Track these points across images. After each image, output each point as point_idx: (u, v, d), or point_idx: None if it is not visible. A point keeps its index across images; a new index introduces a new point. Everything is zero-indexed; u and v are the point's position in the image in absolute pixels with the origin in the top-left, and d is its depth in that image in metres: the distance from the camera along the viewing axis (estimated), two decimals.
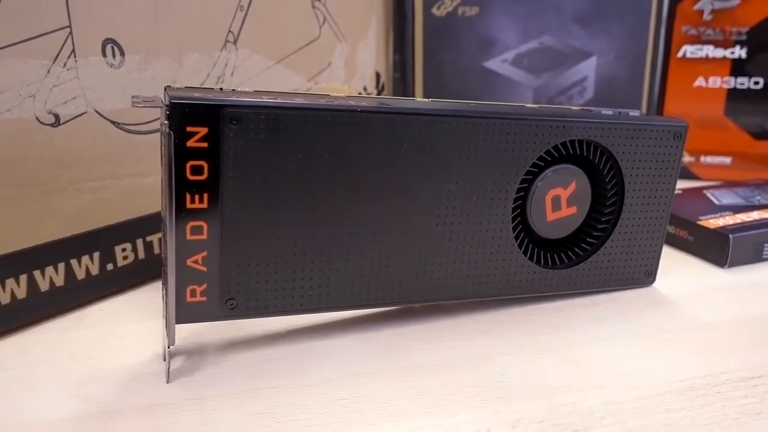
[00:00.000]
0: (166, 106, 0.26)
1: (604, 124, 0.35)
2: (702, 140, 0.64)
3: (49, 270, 0.35)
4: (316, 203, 0.30)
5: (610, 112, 0.37)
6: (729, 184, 0.55)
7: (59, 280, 0.36)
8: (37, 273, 0.34)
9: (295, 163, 0.29)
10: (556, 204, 0.36)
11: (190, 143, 0.27)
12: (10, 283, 0.33)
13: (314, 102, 0.29)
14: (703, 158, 0.65)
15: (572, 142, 0.35)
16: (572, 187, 0.36)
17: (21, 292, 0.34)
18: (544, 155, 0.34)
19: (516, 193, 0.34)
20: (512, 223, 0.35)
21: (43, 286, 0.35)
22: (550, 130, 0.34)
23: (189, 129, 0.27)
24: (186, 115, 0.26)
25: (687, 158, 0.65)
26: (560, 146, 0.34)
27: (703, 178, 0.65)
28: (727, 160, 0.64)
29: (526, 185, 0.35)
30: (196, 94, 0.27)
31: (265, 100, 0.28)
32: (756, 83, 0.61)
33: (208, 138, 0.27)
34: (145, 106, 0.27)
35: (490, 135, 0.32)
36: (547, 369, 0.31)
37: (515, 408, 0.28)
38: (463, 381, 0.30)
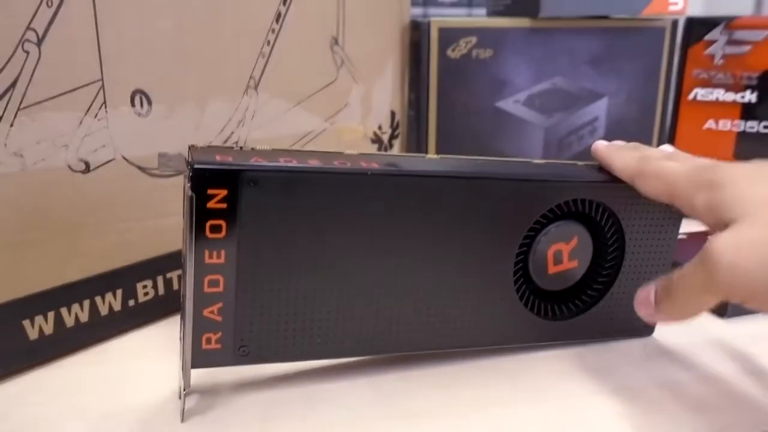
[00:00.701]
0: (190, 169, 0.28)
1: (606, 185, 0.36)
2: None
3: (75, 307, 0.37)
4: (326, 258, 0.32)
5: None
6: None
7: (84, 317, 0.38)
8: (63, 310, 0.37)
9: (307, 221, 0.31)
10: (558, 258, 0.37)
11: (211, 204, 0.29)
12: (38, 319, 0.36)
13: (327, 164, 0.31)
14: None
15: (575, 200, 0.36)
16: (574, 242, 0.37)
17: (48, 329, 0.36)
18: (547, 212, 0.36)
19: (518, 248, 0.36)
20: (514, 276, 0.36)
21: (69, 322, 0.37)
22: (553, 191, 0.35)
23: (210, 191, 0.29)
24: (208, 178, 0.28)
25: None
26: (563, 204, 0.36)
27: None
28: None
29: (528, 240, 0.36)
30: (218, 157, 0.29)
31: (282, 163, 0.30)
32: (766, 127, 0.62)
33: (227, 199, 0.29)
34: (170, 170, 0.29)
35: (494, 195, 0.34)
36: (547, 418, 0.32)
37: None
38: (462, 429, 0.31)
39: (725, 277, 0.27)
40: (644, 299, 0.32)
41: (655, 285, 0.32)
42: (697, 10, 0.64)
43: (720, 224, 0.29)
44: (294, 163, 0.30)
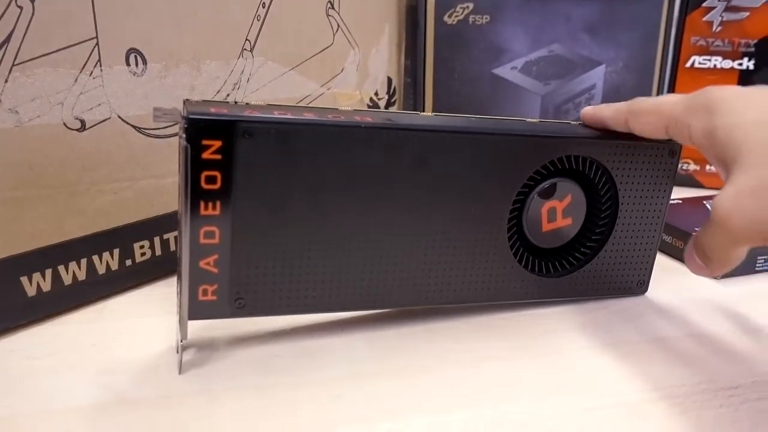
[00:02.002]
0: (184, 120, 0.28)
1: (599, 141, 0.36)
2: None
3: (72, 265, 0.37)
4: (321, 211, 0.32)
5: None
6: None
7: (81, 275, 0.38)
8: (61, 268, 0.37)
9: (302, 173, 0.31)
10: (552, 215, 0.37)
11: (205, 155, 0.29)
12: (36, 276, 0.36)
13: (321, 117, 0.31)
14: (708, 167, 0.66)
15: (568, 157, 0.36)
16: (568, 199, 0.38)
17: (46, 286, 0.36)
18: (540, 169, 0.36)
19: (512, 205, 0.36)
20: (508, 233, 0.36)
21: (67, 280, 0.37)
22: (546, 147, 0.35)
23: (204, 142, 0.29)
24: (202, 129, 0.29)
25: (692, 166, 0.66)
26: (556, 161, 0.36)
27: (707, 186, 0.66)
28: None
29: (522, 197, 0.36)
30: (212, 110, 0.29)
31: (276, 115, 0.30)
32: None
33: (222, 150, 0.29)
34: (165, 122, 0.29)
35: (488, 150, 0.34)
36: (536, 373, 0.33)
37: (502, 410, 0.30)
38: (455, 382, 0.32)
39: (740, 230, 0.28)
40: (697, 266, 0.33)
41: (693, 250, 0.32)
42: None
43: (720, 160, 0.29)
44: (288, 116, 0.30)
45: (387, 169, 0.32)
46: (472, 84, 0.60)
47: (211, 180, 0.29)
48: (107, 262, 0.39)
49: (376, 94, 0.57)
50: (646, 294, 0.42)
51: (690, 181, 0.66)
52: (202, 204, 0.30)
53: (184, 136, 0.29)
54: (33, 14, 0.33)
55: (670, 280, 0.44)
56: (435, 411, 0.30)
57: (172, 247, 0.43)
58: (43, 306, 0.37)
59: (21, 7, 0.33)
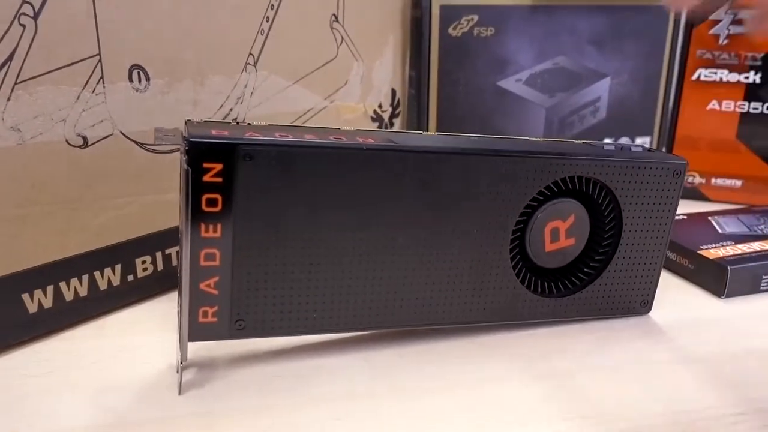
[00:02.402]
0: (185, 143, 0.28)
1: (603, 162, 0.36)
2: (713, 162, 0.65)
3: (74, 281, 0.37)
4: (322, 234, 0.32)
5: (612, 147, 0.38)
6: (735, 211, 0.56)
7: (83, 291, 0.38)
8: (62, 284, 0.37)
9: (303, 196, 0.31)
10: (555, 235, 0.37)
11: (206, 178, 0.29)
12: (37, 293, 0.36)
13: (323, 140, 0.31)
14: (714, 180, 0.65)
15: (572, 178, 0.36)
16: (571, 219, 0.37)
17: (47, 302, 0.36)
18: (543, 190, 0.36)
19: (515, 226, 0.36)
20: (510, 253, 0.36)
21: (68, 296, 0.37)
22: (550, 167, 0.35)
23: (206, 165, 0.29)
24: (203, 152, 0.28)
25: (698, 179, 0.66)
26: (560, 182, 0.36)
27: (713, 199, 0.66)
28: (738, 182, 0.65)
29: (525, 218, 0.36)
30: (213, 132, 0.29)
31: (277, 138, 0.30)
32: None
33: (223, 173, 0.29)
34: (166, 143, 0.29)
35: (491, 171, 0.34)
36: (536, 396, 0.33)
37: None
38: (456, 405, 0.32)
39: None
40: None
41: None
42: None
43: None
44: (289, 138, 0.30)
45: (389, 190, 0.32)
46: (476, 96, 0.60)
47: (211, 203, 0.29)
48: (109, 277, 0.39)
49: (380, 106, 0.57)
50: (650, 314, 0.42)
51: (695, 194, 0.66)
52: (202, 226, 0.30)
53: (185, 158, 0.28)
54: (36, 32, 0.33)
55: (675, 299, 0.44)
56: None
57: (174, 262, 0.43)
58: (45, 323, 0.37)
59: (24, 26, 0.33)
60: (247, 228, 0.30)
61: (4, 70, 0.32)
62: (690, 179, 0.66)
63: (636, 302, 0.41)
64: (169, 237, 0.42)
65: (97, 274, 0.39)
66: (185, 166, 0.28)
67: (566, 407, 0.32)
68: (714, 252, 0.46)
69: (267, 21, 0.45)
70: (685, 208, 0.58)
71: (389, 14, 0.56)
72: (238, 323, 0.32)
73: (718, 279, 0.44)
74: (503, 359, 0.36)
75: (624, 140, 0.65)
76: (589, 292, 0.39)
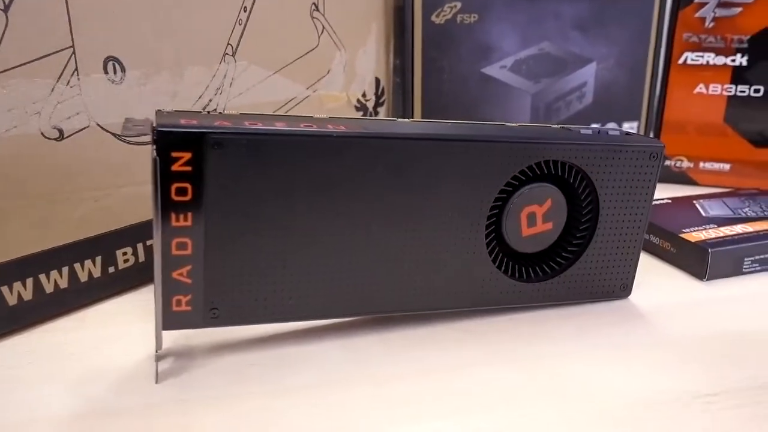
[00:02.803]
0: (153, 132, 0.28)
1: (578, 146, 0.36)
2: (701, 146, 0.65)
3: (54, 273, 0.38)
4: (294, 221, 0.32)
5: (590, 132, 0.38)
6: (720, 194, 0.56)
7: (63, 283, 0.38)
8: (42, 276, 0.37)
9: (274, 183, 0.31)
10: (532, 220, 0.37)
11: (175, 167, 0.29)
12: (17, 285, 0.36)
13: (292, 128, 0.31)
14: (702, 164, 0.65)
15: (546, 162, 0.36)
16: (547, 204, 0.37)
17: (27, 294, 0.37)
18: (518, 174, 0.36)
19: (490, 211, 0.36)
20: (486, 239, 0.36)
21: (48, 288, 0.38)
22: (524, 152, 0.35)
23: (174, 154, 0.29)
24: (171, 141, 0.29)
25: (686, 164, 0.66)
26: (535, 166, 0.36)
27: (701, 183, 0.66)
28: (726, 166, 0.65)
29: (501, 203, 0.36)
30: (182, 121, 0.29)
31: (246, 126, 0.30)
32: (756, 91, 0.62)
33: (192, 162, 0.29)
34: (135, 133, 0.29)
35: (464, 157, 0.34)
36: (513, 381, 0.33)
37: (476, 418, 0.30)
38: (432, 391, 0.32)
39: None
40: None
41: None
42: None
43: None
44: (259, 126, 0.30)
45: (362, 177, 0.32)
46: (461, 83, 0.60)
47: (181, 192, 0.29)
48: (89, 269, 0.39)
49: (364, 95, 0.57)
50: (630, 297, 0.42)
51: (683, 179, 0.66)
52: (173, 215, 0.30)
53: (154, 147, 0.29)
54: (6, 25, 0.33)
55: (657, 283, 0.44)
56: (412, 419, 0.30)
57: None
58: (25, 315, 0.37)
59: None
60: (218, 216, 0.31)
61: None
62: (678, 164, 0.66)
63: (616, 286, 0.41)
64: (150, 228, 0.42)
65: (77, 266, 0.39)
66: (154, 155, 0.28)
67: (545, 390, 0.32)
68: (696, 235, 0.46)
69: (245, 11, 0.45)
70: (673, 192, 0.58)
71: (371, 2, 0.56)
72: (213, 311, 0.32)
73: (699, 262, 0.44)
74: (483, 344, 0.36)
75: (611, 125, 0.65)
76: (568, 277, 0.39)
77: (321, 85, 0.52)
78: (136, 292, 0.42)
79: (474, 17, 0.58)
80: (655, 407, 0.30)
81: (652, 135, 0.67)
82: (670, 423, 0.29)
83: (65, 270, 0.38)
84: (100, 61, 0.37)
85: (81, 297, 0.39)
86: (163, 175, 0.29)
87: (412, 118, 0.60)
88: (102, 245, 0.40)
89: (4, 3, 0.33)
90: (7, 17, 0.33)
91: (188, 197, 0.30)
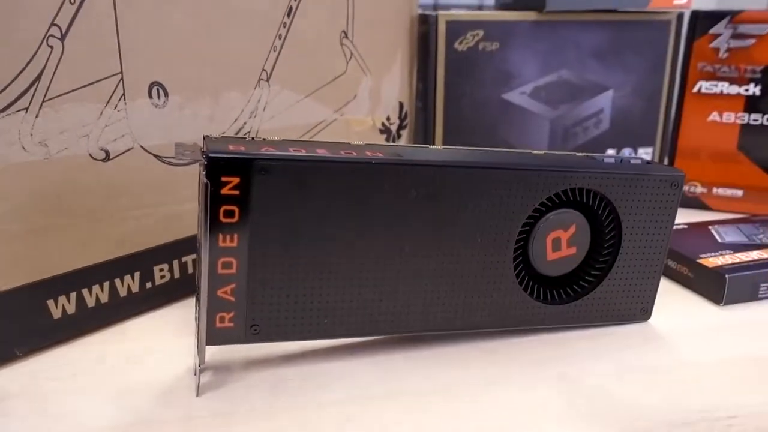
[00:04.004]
0: (204, 158, 0.30)
1: (602, 174, 0.38)
2: (715, 172, 0.66)
3: (96, 288, 0.39)
4: (333, 243, 0.34)
5: (612, 160, 0.40)
6: (735, 221, 0.57)
7: (104, 298, 0.40)
8: (85, 291, 0.39)
9: (315, 207, 0.33)
10: (557, 245, 0.39)
11: (224, 191, 0.31)
12: (61, 299, 0.38)
13: (334, 154, 0.32)
14: (715, 190, 0.67)
15: (573, 189, 0.38)
16: (572, 229, 0.39)
17: (71, 308, 0.38)
18: (545, 201, 0.37)
19: (518, 236, 0.37)
20: (514, 262, 0.38)
21: (90, 302, 0.39)
22: (551, 180, 0.37)
23: (223, 179, 0.30)
24: (221, 166, 0.30)
25: (699, 189, 0.67)
26: (561, 193, 0.37)
27: (714, 208, 0.67)
28: (739, 192, 0.66)
29: (528, 227, 0.38)
30: (231, 147, 0.31)
31: (291, 152, 0.32)
32: None
33: (240, 186, 0.31)
34: (186, 159, 0.31)
35: (494, 184, 0.35)
36: (537, 399, 0.34)
37: None
38: (462, 407, 0.33)
39: None
40: None
41: None
42: (710, 5, 0.65)
43: None
44: (303, 153, 0.32)
45: (396, 202, 0.34)
46: (482, 109, 0.61)
47: (229, 214, 0.31)
48: (128, 284, 0.41)
49: (388, 119, 0.59)
50: (650, 321, 0.43)
51: (697, 204, 0.67)
52: (220, 236, 0.31)
53: (204, 172, 0.30)
54: (63, 52, 0.35)
55: (675, 307, 0.45)
56: None
57: (190, 270, 0.45)
58: (68, 328, 0.38)
59: (51, 47, 0.35)
60: (262, 238, 0.32)
61: (33, 88, 0.34)
62: (692, 189, 0.67)
63: (636, 309, 0.42)
64: (186, 246, 0.44)
65: (117, 281, 0.40)
66: (204, 179, 0.30)
67: (566, 410, 0.33)
68: (713, 261, 0.47)
69: (279, 38, 0.47)
70: (687, 217, 0.59)
71: (397, 30, 0.58)
72: (254, 328, 0.34)
73: (716, 287, 0.45)
74: (507, 364, 0.37)
75: (627, 151, 0.67)
76: (590, 300, 0.40)
77: (348, 109, 0.54)
78: (171, 307, 0.44)
79: (495, 45, 0.60)
80: (675, 429, 0.32)
81: (666, 161, 0.69)
82: None
83: (106, 285, 0.40)
84: (145, 87, 0.39)
85: (120, 311, 0.41)
86: (213, 199, 0.30)
87: (434, 140, 0.62)
88: (141, 262, 0.41)
89: (60, 32, 0.35)
90: (63, 45, 0.35)
91: (235, 219, 0.31)
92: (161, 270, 0.43)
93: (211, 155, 0.30)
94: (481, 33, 0.59)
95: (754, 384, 0.36)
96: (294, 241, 0.33)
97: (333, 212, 0.33)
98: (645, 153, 0.67)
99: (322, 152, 0.32)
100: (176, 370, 0.36)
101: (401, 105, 0.60)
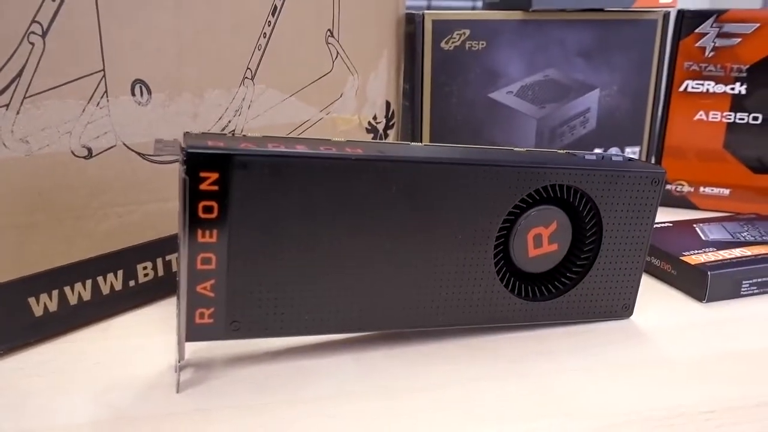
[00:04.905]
0: (183, 153, 0.30)
1: (583, 171, 0.38)
2: (701, 172, 0.66)
3: (78, 286, 0.39)
4: (313, 238, 0.34)
5: (594, 157, 0.40)
6: (720, 219, 0.57)
7: (87, 295, 0.40)
8: (67, 288, 0.39)
9: (295, 203, 0.33)
10: (538, 241, 0.39)
11: (203, 186, 0.31)
12: (43, 297, 0.38)
13: (313, 150, 0.33)
14: (702, 189, 0.67)
15: (553, 186, 0.38)
16: (553, 226, 0.39)
17: (52, 306, 0.38)
18: (526, 197, 0.37)
19: (498, 232, 0.37)
20: (494, 258, 0.38)
21: (72, 300, 0.39)
22: (531, 176, 0.37)
23: (202, 174, 0.30)
24: (200, 162, 0.30)
25: (686, 188, 0.67)
26: (541, 190, 0.38)
27: (701, 207, 0.67)
28: (726, 191, 0.66)
29: (509, 224, 0.38)
30: (210, 143, 0.31)
31: (270, 148, 0.32)
32: (755, 119, 0.63)
33: (219, 182, 0.31)
34: (166, 154, 0.31)
35: (474, 180, 0.36)
36: (519, 395, 0.34)
37: (482, 430, 0.31)
38: (442, 402, 0.33)
39: None
40: None
41: None
42: (704, 4, 0.65)
43: None
44: (282, 149, 0.32)
45: (376, 198, 0.34)
46: (468, 108, 0.62)
47: (208, 210, 0.31)
48: (111, 282, 0.41)
49: (375, 118, 0.59)
50: (632, 317, 0.43)
51: (684, 203, 0.68)
52: (199, 232, 0.31)
53: (183, 168, 0.30)
54: (44, 49, 0.35)
55: (657, 304, 0.45)
56: (418, 430, 0.31)
57: (174, 268, 0.45)
58: (50, 325, 0.38)
59: (33, 43, 0.35)
60: (241, 233, 0.32)
61: (13, 85, 0.34)
62: (679, 188, 0.68)
63: (618, 306, 0.42)
64: (169, 244, 0.44)
65: (100, 279, 0.40)
66: (183, 174, 0.30)
67: (545, 405, 0.33)
68: (696, 258, 0.47)
69: (264, 37, 0.47)
70: (674, 216, 0.60)
71: (383, 29, 0.58)
72: (234, 324, 0.34)
73: (699, 284, 0.46)
74: (487, 360, 0.38)
75: (614, 150, 0.67)
76: (571, 296, 0.41)
77: (334, 108, 0.54)
78: (155, 305, 0.44)
79: (482, 44, 0.60)
80: (655, 423, 0.32)
81: (653, 160, 0.69)
82: None
83: (89, 283, 0.40)
84: (128, 84, 0.39)
85: (103, 309, 0.41)
86: (192, 194, 0.31)
87: (421, 139, 0.62)
88: (124, 259, 0.41)
89: (42, 29, 0.35)
90: (44, 42, 0.35)
91: (214, 215, 0.31)
92: (145, 268, 0.43)
93: (189, 150, 0.30)
94: (467, 32, 0.59)
95: (733, 379, 0.36)
96: (274, 238, 0.33)
97: (313, 208, 0.33)
98: (632, 152, 0.68)
99: (301, 148, 0.33)
100: (158, 367, 0.36)
101: (388, 104, 0.60)
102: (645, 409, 0.33)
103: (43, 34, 0.35)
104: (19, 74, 0.34)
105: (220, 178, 0.31)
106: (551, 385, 0.35)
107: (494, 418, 0.32)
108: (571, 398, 0.34)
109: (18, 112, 0.35)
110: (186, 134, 0.33)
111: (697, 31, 0.63)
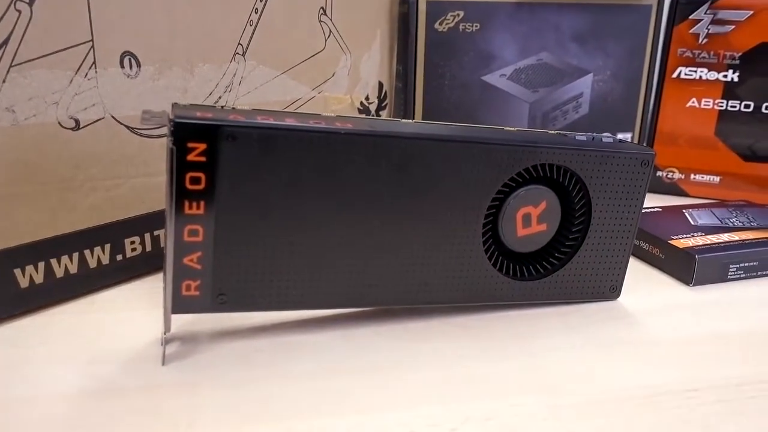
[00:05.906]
0: (171, 123, 0.30)
1: (573, 151, 0.38)
2: (692, 159, 0.67)
3: (65, 259, 0.39)
4: (301, 213, 0.34)
5: (584, 138, 0.40)
6: (710, 205, 0.58)
7: (73, 268, 0.39)
8: (53, 261, 0.38)
9: (283, 176, 0.32)
10: (527, 221, 0.39)
11: (191, 157, 0.30)
12: (29, 269, 0.37)
13: (303, 123, 0.32)
14: (692, 176, 0.67)
15: (542, 165, 0.38)
16: (543, 205, 0.39)
17: (38, 278, 0.38)
18: (515, 176, 0.37)
19: (487, 210, 0.37)
20: (483, 237, 0.38)
21: (59, 273, 0.39)
22: (521, 155, 0.37)
23: (190, 144, 0.30)
24: (188, 132, 0.30)
25: (677, 175, 0.68)
26: (531, 169, 0.38)
27: (692, 195, 0.67)
28: (716, 179, 0.66)
29: (498, 203, 0.38)
30: (198, 114, 0.31)
31: (259, 120, 0.32)
32: (747, 107, 0.63)
33: (206, 153, 0.31)
34: (152, 124, 0.30)
35: (464, 158, 0.35)
36: (505, 372, 0.34)
37: (467, 406, 0.31)
38: (426, 379, 0.33)
39: None
40: None
41: None
42: None
43: None
44: (270, 121, 0.32)
45: (366, 173, 0.34)
46: (461, 90, 0.61)
47: (195, 181, 0.31)
48: (98, 256, 0.41)
49: (367, 98, 0.58)
50: (619, 299, 0.43)
51: (675, 190, 0.68)
52: (186, 203, 0.31)
53: (171, 138, 0.30)
54: (31, 18, 0.35)
55: (645, 286, 0.46)
56: (404, 406, 0.31)
57: (162, 243, 0.44)
58: (36, 298, 0.38)
59: (20, 11, 0.34)
60: (229, 206, 0.32)
61: None
62: (670, 175, 0.68)
63: (605, 287, 0.42)
64: (158, 219, 0.43)
65: (87, 252, 0.40)
66: (170, 145, 0.30)
67: (530, 383, 0.33)
68: (684, 242, 0.47)
69: (256, 12, 0.46)
70: (664, 202, 0.60)
71: (377, 9, 0.57)
72: (220, 297, 0.34)
73: (686, 267, 0.46)
74: (477, 339, 0.38)
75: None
76: (560, 277, 0.41)
77: (326, 87, 0.54)
78: (142, 280, 0.44)
79: (476, 26, 0.60)
80: (638, 401, 0.32)
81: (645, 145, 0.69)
82: (651, 416, 0.31)
83: (75, 256, 0.40)
84: (117, 56, 0.39)
85: (90, 283, 0.41)
86: (179, 165, 0.30)
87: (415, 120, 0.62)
88: (111, 233, 0.41)
89: None
90: (31, 10, 0.34)
91: (201, 186, 0.31)
92: (132, 242, 0.43)
93: (177, 121, 0.30)
94: (461, 14, 0.59)
95: (717, 360, 0.36)
96: (262, 211, 0.33)
97: (301, 182, 0.33)
98: (624, 138, 0.68)
99: (290, 121, 0.32)
100: (144, 340, 0.36)
101: (380, 85, 0.60)
102: (629, 386, 0.33)
103: (30, 2, 0.34)
104: (5, 42, 0.34)
105: (207, 149, 0.31)
106: (537, 363, 0.35)
107: (480, 394, 0.32)
108: (556, 375, 0.34)
109: (4, 81, 0.34)
110: (174, 105, 0.32)
111: (691, 17, 0.63)
